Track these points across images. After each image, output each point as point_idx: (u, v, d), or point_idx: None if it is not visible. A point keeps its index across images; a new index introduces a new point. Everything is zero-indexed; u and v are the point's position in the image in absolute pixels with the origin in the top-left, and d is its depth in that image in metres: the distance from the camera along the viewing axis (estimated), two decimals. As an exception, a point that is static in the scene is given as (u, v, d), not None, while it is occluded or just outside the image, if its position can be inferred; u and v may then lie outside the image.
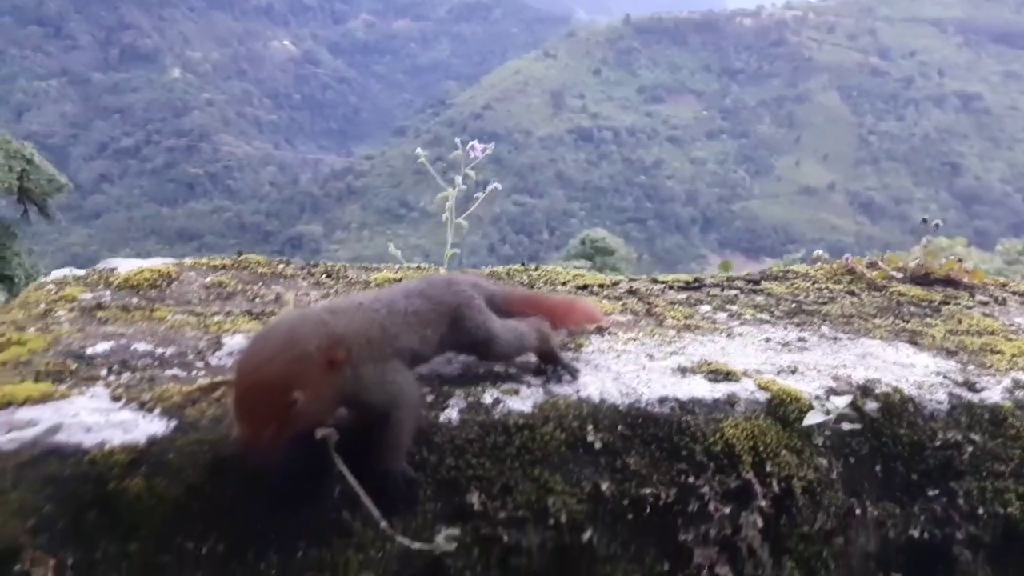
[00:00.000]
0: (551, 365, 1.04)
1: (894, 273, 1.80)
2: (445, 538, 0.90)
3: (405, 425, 0.90)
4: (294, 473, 0.86)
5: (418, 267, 1.64)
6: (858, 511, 1.04)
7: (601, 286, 1.57)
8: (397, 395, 0.89)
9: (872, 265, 1.86)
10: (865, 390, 1.10)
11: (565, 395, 1.00)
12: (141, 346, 1.06)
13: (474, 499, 0.92)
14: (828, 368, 1.15)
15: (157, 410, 0.91)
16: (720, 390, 1.05)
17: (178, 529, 0.85)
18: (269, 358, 0.80)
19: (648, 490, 0.97)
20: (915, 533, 1.05)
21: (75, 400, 0.91)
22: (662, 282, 1.67)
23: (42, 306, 1.22)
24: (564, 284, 1.59)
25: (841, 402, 1.04)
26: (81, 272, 1.42)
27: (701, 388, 1.04)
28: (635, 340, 1.21)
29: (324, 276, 1.51)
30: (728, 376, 1.08)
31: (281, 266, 1.54)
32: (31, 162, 9.33)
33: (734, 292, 1.60)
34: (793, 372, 1.13)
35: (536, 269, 1.69)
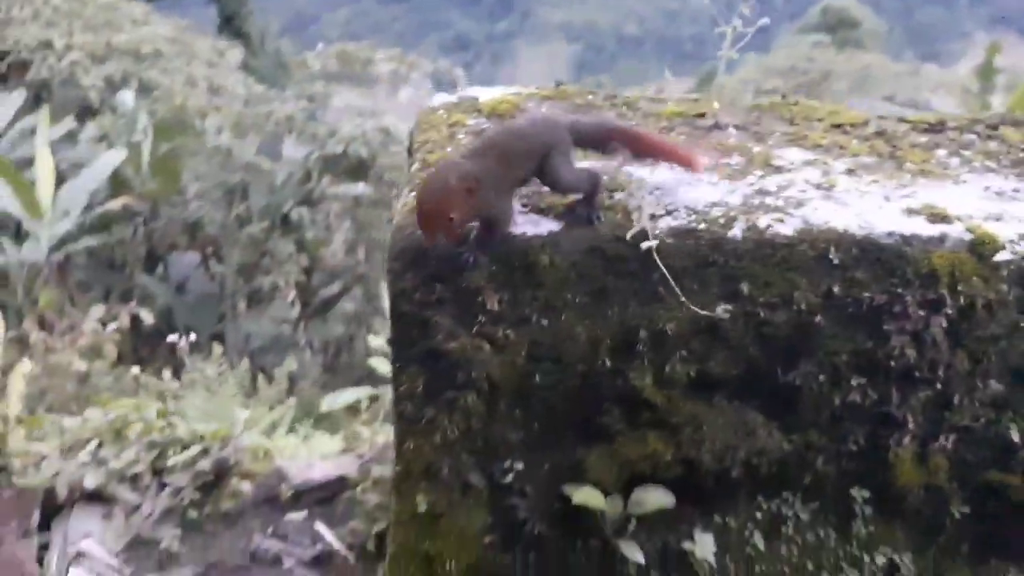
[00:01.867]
0: (584, 205, 1.47)
1: None
2: (722, 310, 1.41)
3: (504, 222, 1.42)
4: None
5: (696, 100, 2.04)
6: (1022, 324, 1.42)
7: (853, 125, 1.90)
8: (500, 216, 1.41)
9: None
10: (1053, 237, 1.43)
11: (819, 225, 1.44)
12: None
13: (744, 287, 1.42)
14: (1029, 217, 1.48)
15: (551, 215, 1.47)
16: (936, 229, 1.43)
17: (564, 285, 1.43)
18: (432, 193, 1.33)
19: (867, 294, 1.41)
20: (1068, 345, 1.42)
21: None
22: (909, 121, 1.96)
23: (443, 129, 1.80)
24: (820, 120, 1.93)
25: (1029, 246, 1.40)
26: (455, 98, 1.97)
27: (922, 227, 1.43)
28: (877, 183, 1.59)
29: (624, 107, 1.97)
30: (944, 218, 1.45)
31: (590, 96, 2.01)
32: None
33: (972, 137, 1.87)
34: (998, 220, 1.47)
35: (796, 104, 2.03)
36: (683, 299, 1.40)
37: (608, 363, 1.45)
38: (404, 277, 1.43)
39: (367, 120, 15.04)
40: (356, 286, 15.06)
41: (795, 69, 23.84)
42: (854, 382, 1.44)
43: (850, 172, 1.64)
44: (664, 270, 1.39)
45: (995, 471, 1.45)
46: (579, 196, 1.49)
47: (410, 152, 1.88)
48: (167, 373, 7.06)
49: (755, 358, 1.44)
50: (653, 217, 1.45)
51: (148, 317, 11.16)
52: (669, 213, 1.46)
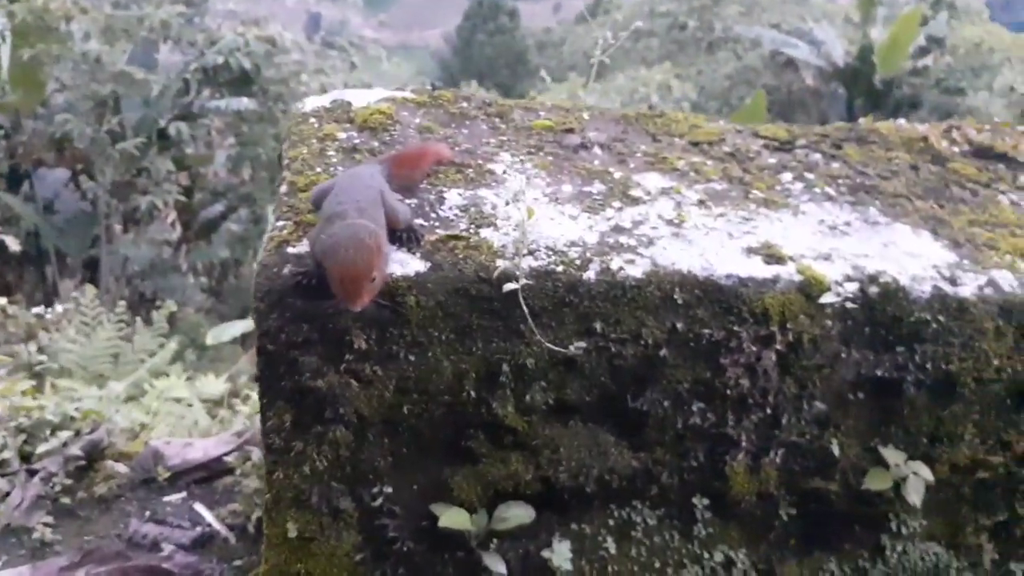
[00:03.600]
0: (407, 231, 1.55)
1: (963, 144, 2.15)
2: (576, 347, 1.52)
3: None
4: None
5: (567, 110, 2.09)
6: (844, 355, 1.60)
7: (710, 143, 2.01)
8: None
9: (948, 132, 2.20)
10: (872, 278, 1.59)
11: (665, 267, 1.54)
12: (393, 194, 1.63)
13: (598, 325, 1.52)
14: (853, 256, 1.64)
15: (418, 254, 1.51)
16: (770, 271, 1.57)
17: (430, 324, 1.49)
18: (351, 258, 1.33)
19: (706, 330, 1.55)
20: (880, 372, 1.61)
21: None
22: (762, 137, 2.08)
23: (314, 143, 1.79)
24: (681, 137, 2.03)
25: (851, 288, 1.56)
26: (327, 102, 1.95)
27: (758, 268, 1.57)
28: (723, 216, 1.71)
29: (498, 119, 2.00)
30: (779, 259, 1.59)
31: (464, 104, 2.03)
32: None
33: (817, 156, 2.02)
34: (827, 259, 1.62)
35: (661, 116, 2.12)
36: (541, 339, 1.50)
37: (473, 394, 1.53)
38: (270, 317, 1.45)
39: (250, 28, 14.21)
40: (241, 207, 14.52)
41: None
42: (695, 407, 1.59)
43: (701, 203, 1.75)
44: (526, 311, 1.48)
45: (818, 479, 1.65)
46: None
47: (280, 163, 1.87)
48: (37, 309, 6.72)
49: (607, 386, 1.56)
50: (514, 255, 1.52)
51: (13, 244, 10.46)
52: (531, 253, 1.54)
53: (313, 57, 16.09)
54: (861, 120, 2.31)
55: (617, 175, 1.81)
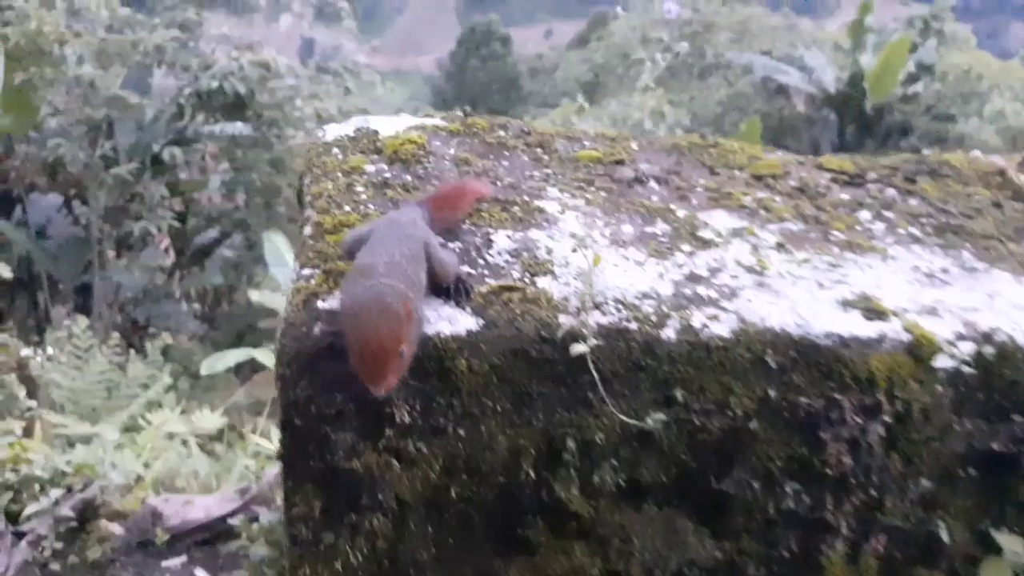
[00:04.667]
0: (455, 284, 1.32)
1: (1047, 178, 1.95)
2: (653, 420, 1.30)
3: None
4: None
5: (613, 139, 1.89)
6: (956, 426, 1.38)
7: (774, 176, 1.81)
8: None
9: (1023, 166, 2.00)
10: (986, 337, 1.38)
11: (754, 324, 1.33)
12: (434, 238, 1.42)
13: (678, 394, 1.30)
14: (960, 310, 1.43)
15: (468, 309, 1.29)
16: (873, 329, 1.36)
17: (483, 392, 1.27)
18: (377, 327, 1.09)
19: (803, 399, 1.33)
20: (994, 445, 1.39)
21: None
22: (828, 170, 1.88)
23: (340, 177, 1.58)
24: (740, 169, 1.83)
25: (966, 349, 1.35)
26: (351, 130, 1.74)
27: (859, 326, 1.36)
28: (808, 263, 1.50)
29: (539, 148, 1.79)
30: (881, 315, 1.38)
31: (501, 132, 1.82)
32: None
33: (892, 192, 1.82)
34: (933, 313, 1.41)
35: (715, 146, 1.91)
36: (614, 410, 1.28)
37: (531, 474, 1.31)
38: (298, 386, 1.23)
39: (244, 53, 14.08)
40: (235, 232, 14.32)
41: (680, 19, 24.11)
42: (788, 488, 1.37)
43: (780, 247, 1.54)
44: (596, 377, 1.26)
45: (923, 568, 1.43)
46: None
47: (300, 199, 1.65)
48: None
49: (687, 465, 1.34)
50: (579, 311, 1.31)
51: (5, 271, 10.22)
52: (598, 306, 1.32)
53: (307, 82, 15.99)
54: (926, 151, 2.12)
55: (680, 213, 1.61)
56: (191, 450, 4.06)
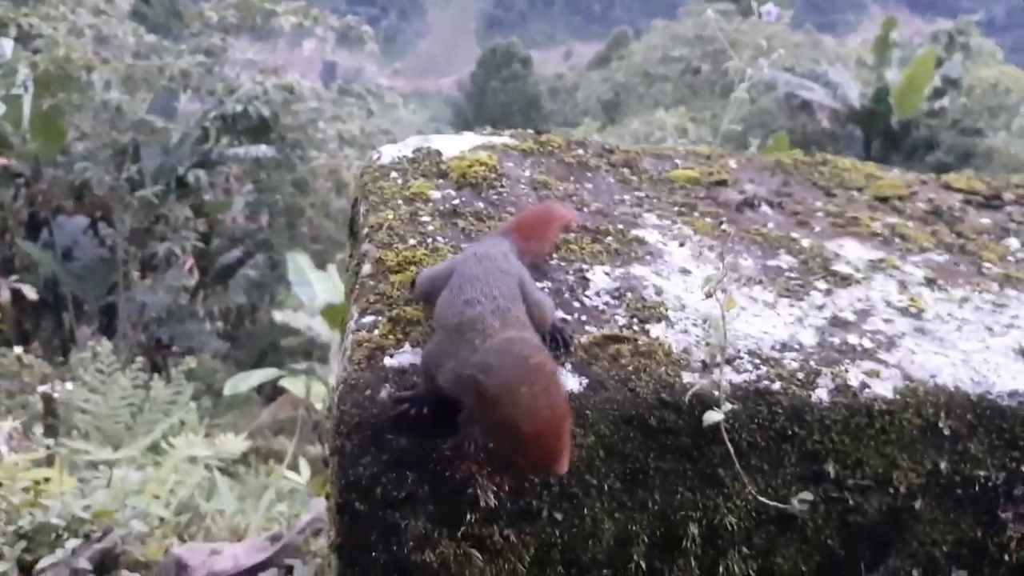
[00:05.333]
0: (551, 334, 1.08)
1: None
2: (799, 501, 1.05)
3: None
4: None
5: (708, 156, 1.65)
6: None
7: (900, 198, 1.56)
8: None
9: None
10: None
11: (922, 381, 1.08)
12: (518, 275, 1.18)
13: (830, 468, 1.05)
14: None
15: (568, 364, 1.05)
16: (1065, 386, 1.10)
17: (588, 468, 1.03)
18: (547, 400, 0.86)
19: (981, 472, 1.07)
20: None
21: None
22: (957, 190, 1.63)
23: (401, 205, 1.34)
24: (859, 191, 1.58)
25: None
26: (409, 151, 1.51)
27: (1048, 383, 1.10)
28: (968, 302, 1.25)
29: (624, 168, 1.55)
30: (1071, 368, 1.12)
31: (580, 151, 1.59)
32: None
33: (1035, 216, 1.56)
34: None
35: (824, 164, 1.67)
36: (752, 489, 1.02)
37: (643, 565, 1.06)
38: (360, 462, 0.99)
39: (268, 77, 14.08)
40: (258, 253, 14.27)
41: (701, 38, 23.99)
42: (956, 579, 1.11)
43: (931, 283, 1.28)
44: (731, 450, 1.01)
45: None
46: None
47: (352, 230, 1.42)
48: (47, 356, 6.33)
49: (834, 552, 1.09)
50: (707, 366, 1.06)
51: (31, 292, 10.18)
52: (729, 361, 1.07)
53: (330, 104, 16.00)
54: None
55: (805, 243, 1.36)
56: (215, 480, 3.88)
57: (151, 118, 12.14)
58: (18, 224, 12.28)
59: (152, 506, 2.92)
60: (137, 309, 12.46)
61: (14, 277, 10.76)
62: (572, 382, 1.04)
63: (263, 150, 12.84)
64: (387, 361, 1.03)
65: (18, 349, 7.17)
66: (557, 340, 1.06)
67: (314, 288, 10.10)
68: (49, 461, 3.48)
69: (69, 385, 5.68)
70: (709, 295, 0.98)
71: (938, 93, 16.56)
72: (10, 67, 11.09)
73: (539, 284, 1.16)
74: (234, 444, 4.44)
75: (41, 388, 5.38)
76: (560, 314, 1.13)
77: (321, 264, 10.90)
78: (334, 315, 9.34)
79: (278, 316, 11.12)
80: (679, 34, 25.27)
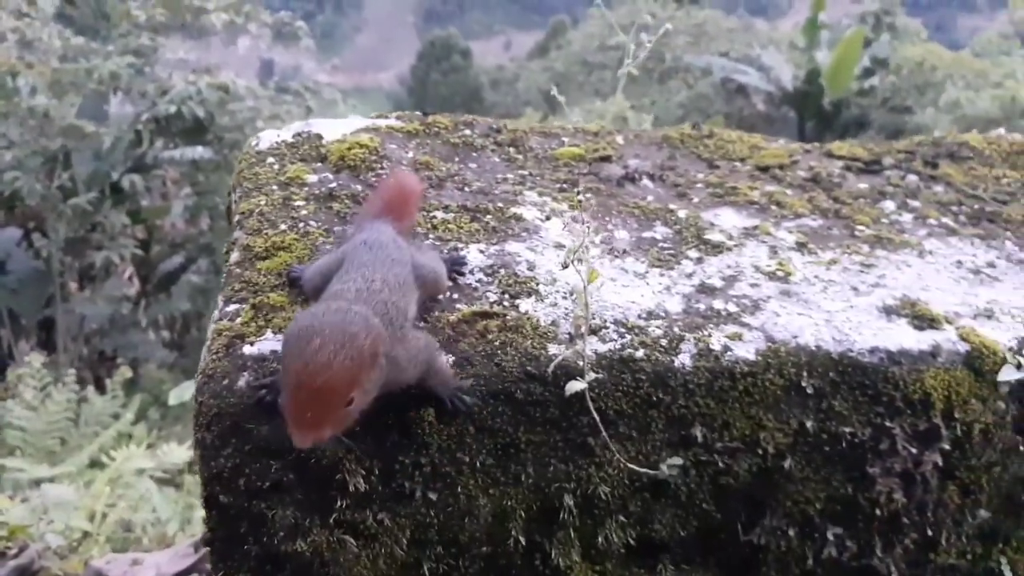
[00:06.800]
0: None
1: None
2: (668, 466, 1.06)
3: (442, 370, 1.00)
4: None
5: (596, 133, 1.66)
6: (1021, 447, 1.16)
7: (781, 167, 1.58)
8: (427, 358, 0.98)
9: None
10: (1054, 340, 1.16)
11: (785, 342, 1.10)
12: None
13: (698, 432, 1.06)
14: (1020, 311, 1.21)
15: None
16: (925, 340, 1.13)
17: (458, 445, 1.03)
18: (328, 359, 0.84)
19: (847, 429, 1.10)
20: (1069, 466, 1.17)
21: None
22: (839, 157, 1.67)
23: (275, 191, 1.32)
24: (743, 161, 1.60)
25: (1034, 357, 1.12)
26: (289, 136, 1.49)
27: (908, 337, 1.13)
28: (836, 264, 1.27)
29: (511, 147, 1.55)
30: (932, 323, 1.16)
31: (467, 131, 1.58)
32: None
33: (914, 179, 1.60)
34: (989, 317, 1.19)
35: (710, 137, 1.69)
36: (620, 457, 1.03)
37: (522, 540, 1.06)
38: (221, 454, 0.97)
39: (202, 76, 13.76)
40: (201, 258, 13.98)
41: (637, 24, 24.17)
42: (830, 534, 1.13)
43: (801, 247, 1.31)
44: (597, 419, 1.01)
45: (984, 615, 1.20)
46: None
47: (229, 219, 1.39)
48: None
49: (710, 515, 1.10)
50: (572, 338, 1.06)
51: (-37, 306, 9.77)
52: (595, 331, 1.08)
53: (268, 103, 15.70)
54: (937, 132, 1.91)
55: (682, 214, 1.37)
56: (151, 490, 3.80)
57: (81, 123, 11.77)
58: (-54, 238, 11.84)
59: (74, 520, 2.84)
60: (77, 321, 12.10)
61: (-54, 293, 10.37)
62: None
63: (200, 152, 12.55)
64: (246, 349, 1.02)
65: (-52, 370, 6.91)
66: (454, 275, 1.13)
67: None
68: (-19, 482, 3.36)
69: (10, 403, 5.52)
70: (565, 266, 0.99)
71: (867, 73, 16.98)
72: (-71, 73, 10.67)
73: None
74: (178, 454, 4.35)
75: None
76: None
77: (264, 266, 10.73)
78: (278, 317, 9.24)
79: (223, 321, 10.90)
80: (615, 22, 25.43)
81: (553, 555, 1.07)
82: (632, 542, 1.09)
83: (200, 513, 3.38)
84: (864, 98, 17.32)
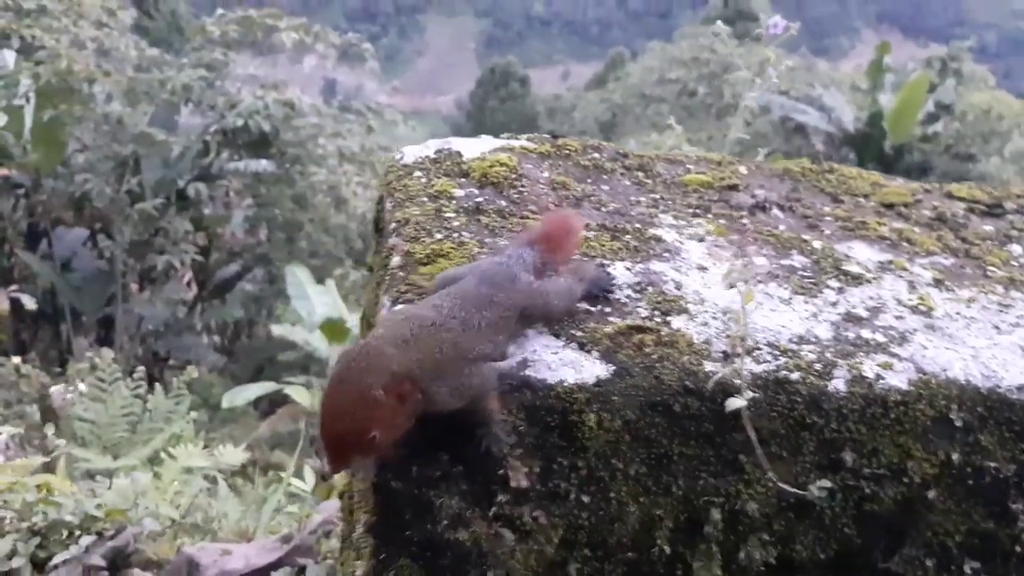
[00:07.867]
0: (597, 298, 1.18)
1: None
2: (818, 488, 1.08)
3: (489, 411, 1.03)
4: None
5: (719, 162, 1.70)
6: None
7: (906, 205, 1.61)
8: (477, 395, 1.02)
9: None
10: None
11: (935, 375, 1.12)
12: (543, 270, 1.22)
13: (847, 457, 1.09)
14: None
15: (594, 352, 1.09)
16: (1072, 380, 1.14)
17: (614, 452, 1.07)
18: (344, 409, 0.94)
19: (992, 463, 1.11)
20: None
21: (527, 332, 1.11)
22: (959, 199, 1.68)
23: (426, 202, 1.39)
24: (866, 197, 1.63)
25: None
26: (431, 152, 1.56)
27: (1055, 377, 1.14)
28: (975, 302, 1.29)
29: (639, 172, 1.60)
30: (1077, 363, 1.17)
31: (595, 155, 1.63)
32: None
33: (1037, 224, 1.61)
34: None
35: (831, 171, 1.72)
36: (773, 476, 1.06)
37: (666, 549, 1.10)
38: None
39: (269, 92, 14.16)
40: (257, 267, 14.28)
41: (697, 60, 24.27)
42: (967, 568, 1.14)
43: (939, 283, 1.33)
44: (753, 437, 1.05)
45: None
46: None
47: (378, 227, 1.46)
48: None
49: (851, 540, 1.12)
50: (728, 356, 1.10)
51: (29, 302, 10.16)
52: (749, 352, 1.12)
53: (331, 120, 16.08)
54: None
55: (816, 244, 1.40)
56: (218, 488, 3.89)
57: (152, 131, 12.20)
58: (17, 235, 12.31)
59: (162, 507, 2.94)
60: (135, 321, 12.47)
61: (13, 287, 10.76)
62: (599, 368, 1.08)
63: (263, 164, 12.91)
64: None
65: (16, 359, 7.17)
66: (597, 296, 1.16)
67: (312, 302, 10.13)
68: (47, 468, 3.49)
69: (69, 395, 5.70)
70: (732, 286, 1.03)
71: (931, 118, 16.77)
72: (12, 78, 11.17)
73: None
74: (233, 455, 4.45)
75: (54, 389, 5.39)
76: (584, 306, 1.17)
77: (320, 279, 10.93)
78: (333, 329, 9.35)
79: (276, 330, 11.12)
80: (675, 56, 25.53)
81: (695, 567, 1.10)
82: (772, 560, 1.12)
83: (267, 507, 3.44)
84: (927, 143, 17.09)
